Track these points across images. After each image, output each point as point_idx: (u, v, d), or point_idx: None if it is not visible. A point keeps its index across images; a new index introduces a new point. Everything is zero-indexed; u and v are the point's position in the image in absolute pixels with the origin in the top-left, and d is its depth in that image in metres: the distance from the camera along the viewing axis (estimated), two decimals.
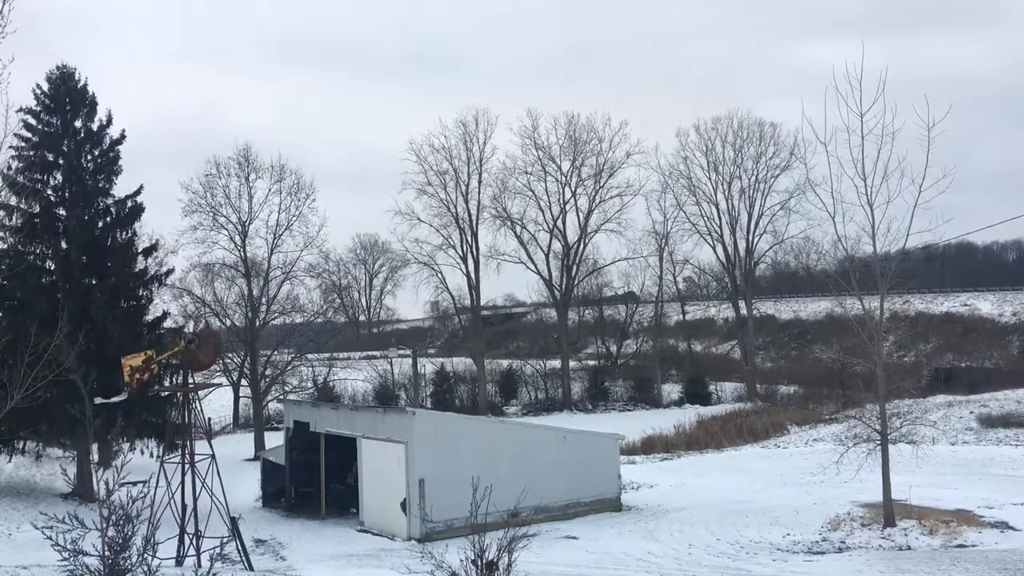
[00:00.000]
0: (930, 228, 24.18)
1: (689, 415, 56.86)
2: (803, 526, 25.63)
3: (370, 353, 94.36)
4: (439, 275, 72.27)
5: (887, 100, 23.67)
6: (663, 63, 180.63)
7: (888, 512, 24.69)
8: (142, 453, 32.44)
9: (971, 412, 53.00)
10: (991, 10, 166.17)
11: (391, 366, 74.31)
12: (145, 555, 10.42)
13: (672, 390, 74.48)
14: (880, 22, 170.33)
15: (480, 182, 71.28)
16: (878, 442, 24.76)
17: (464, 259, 71.51)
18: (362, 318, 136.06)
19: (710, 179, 76.59)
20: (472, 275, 71.85)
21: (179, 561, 20.64)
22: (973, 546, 22.66)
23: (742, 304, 78.03)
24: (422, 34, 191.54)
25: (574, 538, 25.42)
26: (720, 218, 76.56)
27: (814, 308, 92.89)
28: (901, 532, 23.85)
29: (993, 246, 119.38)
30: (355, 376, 70.53)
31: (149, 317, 35.85)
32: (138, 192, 34.73)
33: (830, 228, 26.55)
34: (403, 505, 26.41)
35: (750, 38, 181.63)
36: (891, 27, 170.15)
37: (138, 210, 34.69)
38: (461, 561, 12.40)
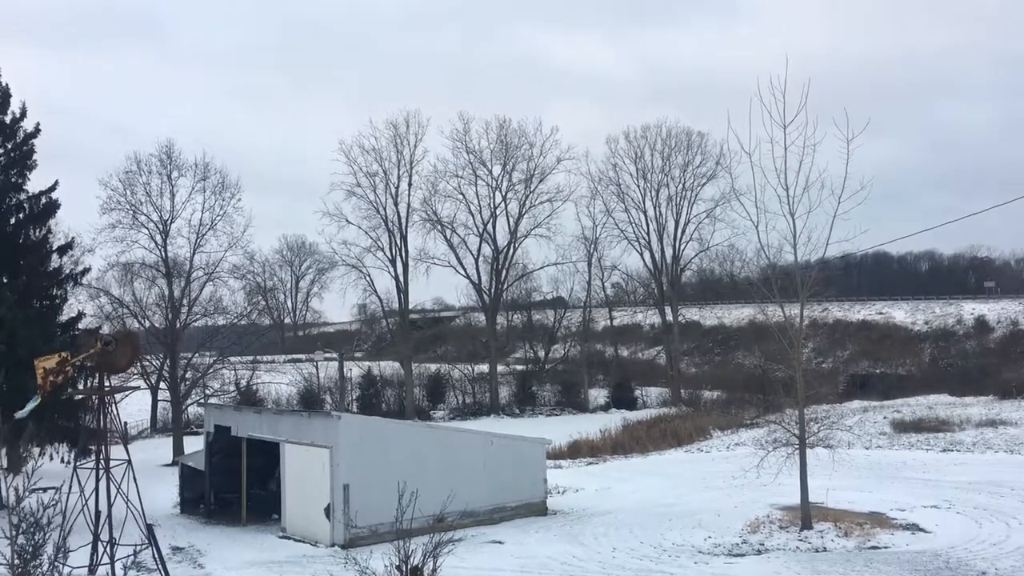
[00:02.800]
0: (848, 238, 24.90)
1: (615, 420, 57.50)
2: (724, 529, 26.08)
3: (295, 356, 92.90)
4: (367, 278, 71.79)
5: (809, 113, 24.33)
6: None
7: (805, 515, 25.29)
8: (51, 459, 31.32)
9: (885, 417, 54.90)
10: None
11: (317, 370, 73.36)
12: (56, 563, 10.08)
13: (599, 395, 75.19)
14: None
15: (410, 184, 71.14)
16: (797, 446, 25.35)
17: (393, 262, 71.17)
18: (287, 321, 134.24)
19: (639, 186, 77.93)
20: (401, 278, 71.54)
21: (92, 569, 19.99)
22: (886, 547, 23.36)
23: (668, 310, 79.27)
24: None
25: (500, 543, 25.40)
26: (648, 225, 77.92)
27: (737, 315, 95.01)
28: (817, 534, 24.47)
29: (908, 256, 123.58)
30: (279, 380, 69.43)
31: (63, 317, 34.74)
32: (53, 188, 33.62)
33: (753, 237, 27.25)
34: (327, 511, 26.03)
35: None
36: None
37: (53, 207, 33.57)
38: (386, 567, 12.29)
